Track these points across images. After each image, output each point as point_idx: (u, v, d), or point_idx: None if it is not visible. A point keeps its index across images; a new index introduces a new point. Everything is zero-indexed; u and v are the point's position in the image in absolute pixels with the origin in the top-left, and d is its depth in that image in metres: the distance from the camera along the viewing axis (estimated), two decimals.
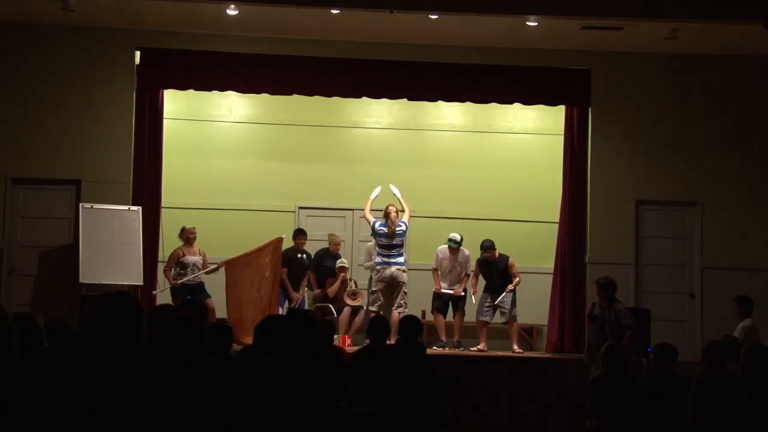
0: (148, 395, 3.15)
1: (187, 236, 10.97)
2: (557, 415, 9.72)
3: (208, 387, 3.84)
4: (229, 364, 4.74)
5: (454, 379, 9.62)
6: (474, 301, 10.98)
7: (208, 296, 10.74)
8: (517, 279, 10.87)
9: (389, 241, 10.47)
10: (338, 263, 11.15)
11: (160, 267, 11.10)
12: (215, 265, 10.84)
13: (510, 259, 10.94)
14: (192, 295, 10.71)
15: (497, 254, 10.94)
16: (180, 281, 10.69)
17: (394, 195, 10.90)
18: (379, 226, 10.57)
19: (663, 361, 6.85)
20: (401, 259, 10.53)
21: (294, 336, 4.22)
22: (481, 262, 11.00)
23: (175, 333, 4.01)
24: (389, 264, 10.39)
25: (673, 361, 6.81)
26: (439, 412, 7.12)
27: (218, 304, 10.64)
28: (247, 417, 3.97)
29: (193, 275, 10.77)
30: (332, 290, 11.03)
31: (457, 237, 11.03)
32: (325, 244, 11.57)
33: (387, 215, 10.60)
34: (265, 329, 6.56)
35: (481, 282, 11.07)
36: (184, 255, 10.86)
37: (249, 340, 7.76)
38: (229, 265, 10.74)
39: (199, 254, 10.97)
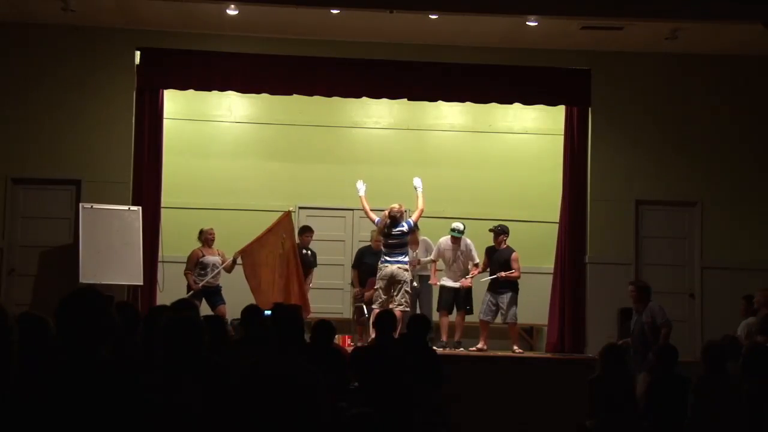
0: (126, 391, 3.14)
1: (206, 237, 10.94)
2: (557, 415, 9.71)
3: (206, 386, 3.84)
4: (223, 362, 4.73)
5: (454, 379, 9.62)
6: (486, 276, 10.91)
7: (223, 302, 10.70)
8: (516, 273, 10.83)
9: (389, 241, 10.41)
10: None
11: (160, 267, 11.09)
12: (231, 259, 10.79)
13: (514, 253, 10.89)
14: (208, 299, 10.68)
15: (505, 244, 10.93)
16: (201, 284, 10.64)
17: (415, 189, 10.61)
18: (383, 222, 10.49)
19: (663, 361, 6.85)
20: (404, 258, 10.42)
21: (279, 330, 4.22)
22: (488, 250, 11.01)
23: (173, 333, 4.01)
24: (390, 262, 10.32)
25: (673, 361, 6.80)
26: (440, 411, 7.13)
27: (236, 308, 10.60)
28: (240, 416, 3.98)
29: (213, 273, 10.74)
30: (368, 295, 10.79)
31: (460, 226, 11.00)
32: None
33: (392, 217, 10.49)
34: (248, 319, 6.59)
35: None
36: (203, 255, 10.84)
37: None
38: (244, 253, 10.66)
39: (218, 254, 10.94)
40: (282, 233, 10.68)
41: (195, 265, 10.81)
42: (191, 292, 10.52)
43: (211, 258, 10.86)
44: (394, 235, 10.30)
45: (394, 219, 10.30)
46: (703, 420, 6.16)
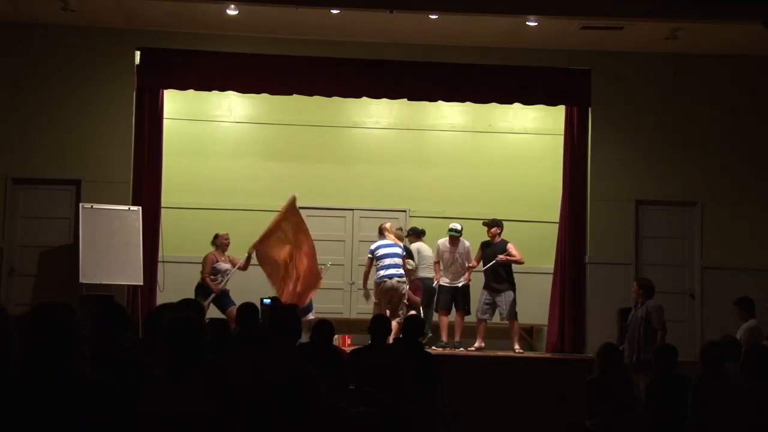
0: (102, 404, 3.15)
1: (221, 242, 10.80)
2: (557, 415, 9.71)
3: (208, 386, 3.85)
4: (223, 363, 4.74)
5: (454, 379, 9.62)
6: (482, 267, 10.93)
7: (233, 304, 10.49)
8: (517, 256, 10.78)
9: (385, 252, 10.55)
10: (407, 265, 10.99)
11: (160, 267, 11.08)
12: (245, 257, 10.61)
13: (509, 244, 10.89)
14: (217, 302, 10.57)
15: (499, 237, 10.94)
16: (221, 287, 10.53)
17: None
18: (376, 247, 10.65)
19: (663, 361, 6.84)
20: (400, 270, 10.56)
21: (277, 330, 4.23)
22: (483, 244, 11.02)
23: (175, 333, 4.01)
24: (390, 276, 10.46)
25: (673, 361, 6.80)
26: (439, 412, 7.13)
27: None
28: (239, 416, 3.99)
29: (226, 280, 10.61)
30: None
31: (458, 226, 11.03)
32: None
33: (381, 231, 10.84)
34: (244, 317, 6.60)
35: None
36: (217, 261, 10.71)
37: None
38: (257, 248, 10.52)
39: (229, 261, 10.78)
40: (289, 219, 10.54)
41: (210, 268, 10.71)
42: (212, 295, 10.45)
43: (224, 265, 10.71)
44: (386, 246, 10.62)
45: (382, 232, 10.81)
46: (702, 420, 6.16)
